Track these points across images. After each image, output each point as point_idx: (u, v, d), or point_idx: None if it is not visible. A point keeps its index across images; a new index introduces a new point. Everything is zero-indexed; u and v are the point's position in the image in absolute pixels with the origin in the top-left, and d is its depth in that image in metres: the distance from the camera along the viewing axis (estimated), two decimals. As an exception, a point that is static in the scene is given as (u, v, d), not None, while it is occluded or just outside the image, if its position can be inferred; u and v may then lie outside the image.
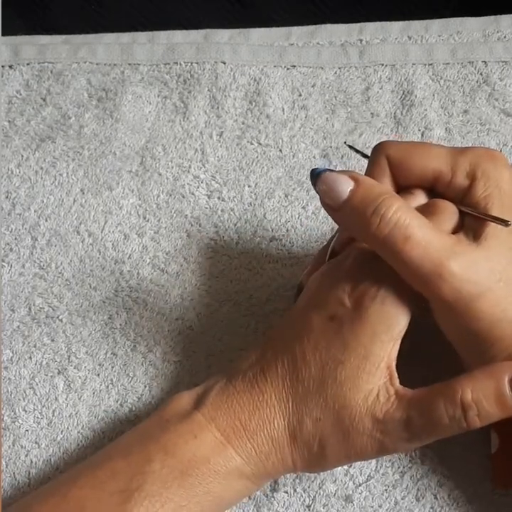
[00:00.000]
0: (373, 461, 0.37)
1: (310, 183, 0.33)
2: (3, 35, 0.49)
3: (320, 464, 0.32)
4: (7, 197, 0.45)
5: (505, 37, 0.48)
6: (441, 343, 0.33)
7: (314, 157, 0.45)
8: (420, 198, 0.33)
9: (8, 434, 0.38)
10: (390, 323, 0.31)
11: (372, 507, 0.36)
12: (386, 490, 0.36)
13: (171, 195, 0.45)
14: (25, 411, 0.38)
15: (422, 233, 0.30)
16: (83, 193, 0.45)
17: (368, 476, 0.36)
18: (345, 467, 0.37)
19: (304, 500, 0.36)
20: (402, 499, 0.36)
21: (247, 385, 0.32)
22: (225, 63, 0.49)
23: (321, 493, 0.36)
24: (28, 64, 0.49)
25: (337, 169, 0.33)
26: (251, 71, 0.48)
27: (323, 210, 0.41)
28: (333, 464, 0.33)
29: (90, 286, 0.42)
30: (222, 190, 0.44)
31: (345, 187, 0.31)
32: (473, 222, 0.31)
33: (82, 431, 0.38)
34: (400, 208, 0.30)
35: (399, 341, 0.32)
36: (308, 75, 0.48)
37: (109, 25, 0.51)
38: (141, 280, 0.42)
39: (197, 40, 0.50)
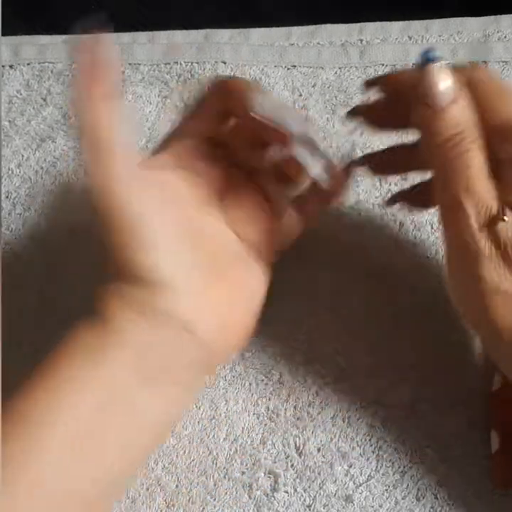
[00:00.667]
0: (374, 461, 0.37)
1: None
2: (3, 35, 0.49)
3: None
4: (7, 197, 0.45)
5: (505, 37, 0.48)
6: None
7: (314, 157, 0.45)
8: None
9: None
10: None
11: (372, 507, 0.36)
12: (386, 490, 0.36)
13: (171, 195, 0.45)
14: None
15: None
16: (83, 193, 0.45)
17: (368, 476, 0.36)
18: (346, 467, 0.37)
19: (305, 500, 0.36)
20: (402, 499, 0.36)
21: None
22: (225, 63, 0.49)
23: (322, 493, 0.36)
24: (28, 64, 0.49)
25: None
26: (251, 71, 0.48)
27: (322, 210, 0.41)
28: None
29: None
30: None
31: (444, 94, 0.31)
32: None
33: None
34: (474, 149, 0.31)
35: None
36: (308, 75, 0.48)
37: (109, 25, 0.51)
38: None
39: (197, 39, 0.50)
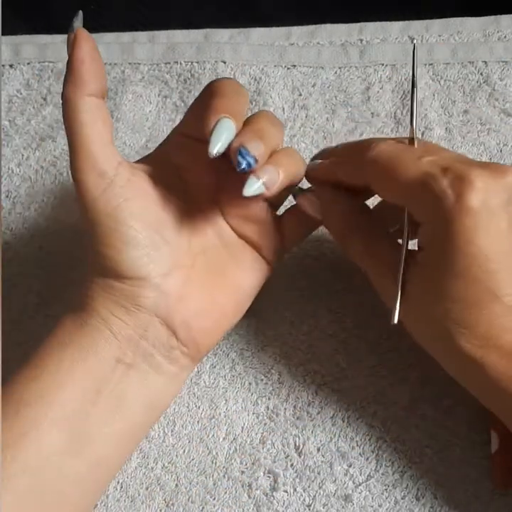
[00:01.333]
0: (373, 461, 0.37)
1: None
2: (3, 34, 0.49)
3: None
4: (7, 196, 0.45)
5: (505, 37, 0.48)
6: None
7: (314, 157, 0.45)
8: None
9: None
10: None
11: (372, 507, 0.36)
12: (386, 489, 0.36)
13: (171, 195, 0.44)
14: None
15: None
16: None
17: (367, 476, 0.36)
18: (345, 467, 0.37)
19: (304, 500, 0.36)
20: (402, 499, 0.36)
21: None
22: (225, 63, 0.49)
23: (321, 492, 0.36)
24: (28, 63, 0.49)
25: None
26: (251, 71, 0.48)
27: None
28: None
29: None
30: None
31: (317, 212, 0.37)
32: None
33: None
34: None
35: None
36: (308, 75, 0.48)
37: (109, 25, 0.51)
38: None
39: (197, 39, 0.50)
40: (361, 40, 0.49)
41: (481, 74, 0.47)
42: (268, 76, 0.48)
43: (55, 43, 0.50)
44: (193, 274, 0.35)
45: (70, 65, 0.32)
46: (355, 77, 0.48)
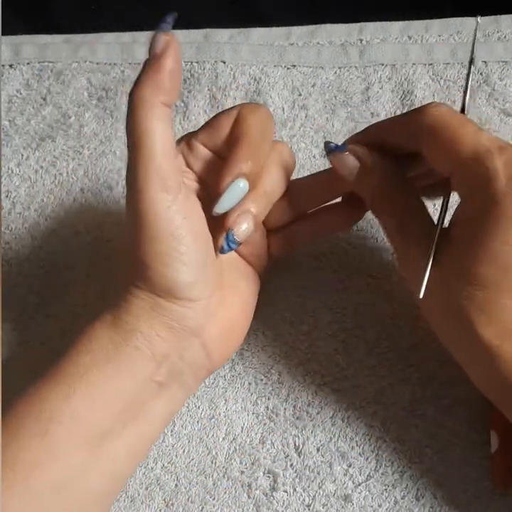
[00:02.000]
0: (373, 461, 0.37)
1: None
2: (3, 34, 0.49)
3: None
4: (7, 196, 0.45)
5: (505, 37, 0.48)
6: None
7: (314, 157, 0.45)
8: None
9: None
10: None
11: (371, 506, 0.36)
12: (386, 489, 0.36)
13: (171, 195, 0.44)
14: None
15: None
16: (83, 193, 0.45)
17: (367, 476, 0.36)
18: (345, 467, 0.37)
19: (304, 500, 0.36)
20: (401, 499, 0.36)
21: None
22: (225, 63, 0.49)
23: (321, 492, 0.36)
24: (28, 63, 0.49)
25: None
26: (251, 70, 0.48)
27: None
28: None
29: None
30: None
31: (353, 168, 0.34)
32: None
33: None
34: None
35: None
36: (308, 75, 0.48)
37: (109, 25, 0.51)
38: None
39: (197, 39, 0.50)
40: (361, 40, 0.49)
41: (481, 74, 0.47)
42: (268, 76, 0.48)
43: (55, 43, 0.50)
44: (223, 293, 0.35)
45: (154, 68, 0.30)
46: (355, 77, 0.47)
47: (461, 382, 0.38)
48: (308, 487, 0.36)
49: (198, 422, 0.38)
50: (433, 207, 0.41)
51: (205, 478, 0.37)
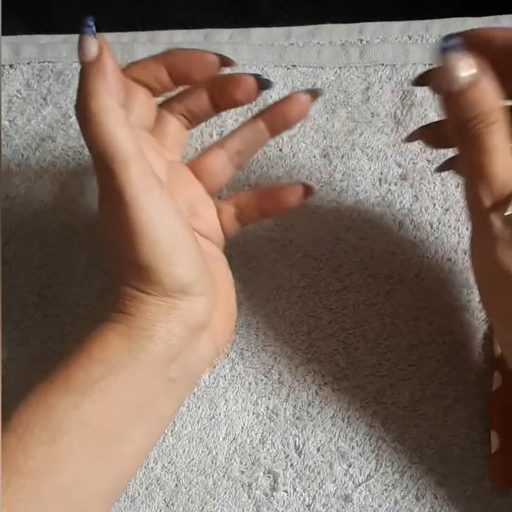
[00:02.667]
0: (373, 461, 0.37)
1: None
2: (3, 34, 0.49)
3: None
4: (7, 196, 0.45)
5: (505, 37, 0.48)
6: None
7: (314, 157, 0.45)
8: None
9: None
10: None
11: (372, 506, 0.36)
12: (386, 489, 0.36)
13: (171, 195, 0.44)
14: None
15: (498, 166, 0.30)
16: (83, 193, 0.45)
17: (367, 476, 0.36)
18: (345, 467, 0.37)
19: (304, 500, 0.36)
20: (402, 498, 0.36)
21: None
22: (225, 63, 0.49)
23: (321, 492, 0.36)
24: (28, 63, 0.49)
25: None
26: (251, 70, 0.48)
27: (322, 210, 0.41)
28: None
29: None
30: (222, 189, 0.44)
31: (462, 77, 0.30)
32: None
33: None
34: (492, 132, 0.30)
35: None
36: (308, 75, 0.48)
37: (109, 25, 0.51)
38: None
39: (197, 39, 0.50)
40: (361, 40, 0.49)
41: (481, 74, 0.47)
42: (268, 76, 0.48)
43: (55, 43, 0.50)
44: (214, 277, 0.35)
45: (100, 73, 0.30)
46: (355, 77, 0.47)
47: (461, 382, 0.38)
48: (309, 487, 0.36)
49: (198, 422, 0.38)
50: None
51: (206, 478, 0.37)
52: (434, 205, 0.41)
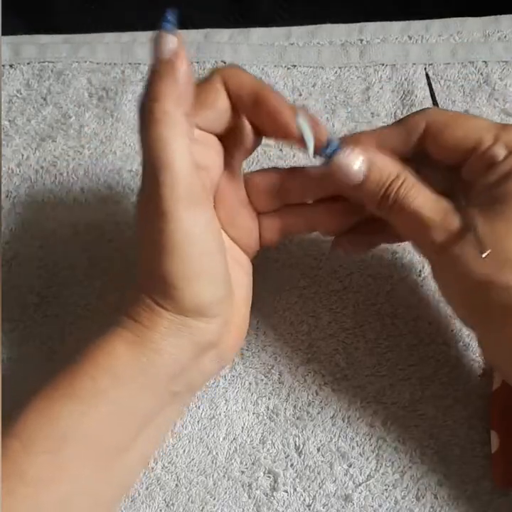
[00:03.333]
0: (373, 461, 0.37)
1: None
2: (3, 34, 0.49)
3: None
4: (7, 196, 0.45)
5: (505, 37, 0.48)
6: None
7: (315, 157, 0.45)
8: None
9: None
10: None
11: (372, 506, 0.36)
12: (386, 489, 0.36)
13: (171, 195, 0.44)
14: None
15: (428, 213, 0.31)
16: (83, 193, 0.45)
17: (367, 476, 0.36)
18: (345, 467, 0.37)
19: (304, 500, 0.36)
20: (402, 498, 0.36)
21: None
22: (225, 63, 0.49)
23: (321, 492, 0.36)
24: (28, 63, 0.49)
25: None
26: (251, 70, 0.48)
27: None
28: None
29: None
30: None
31: (359, 173, 0.32)
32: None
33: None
34: (407, 190, 0.32)
35: None
36: (308, 75, 0.48)
37: (109, 25, 0.51)
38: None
39: (197, 39, 0.50)
40: (361, 40, 0.49)
41: (481, 74, 0.47)
42: (268, 76, 0.48)
43: (55, 43, 0.50)
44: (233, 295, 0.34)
45: (171, 76, 0.29)
46: (355, 77, 0.47)
47: (461, 382, 0.38)
48: (309, 487, 0.36)
49: (198, 422, 0.38)
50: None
51: (206, 478, 0.37)
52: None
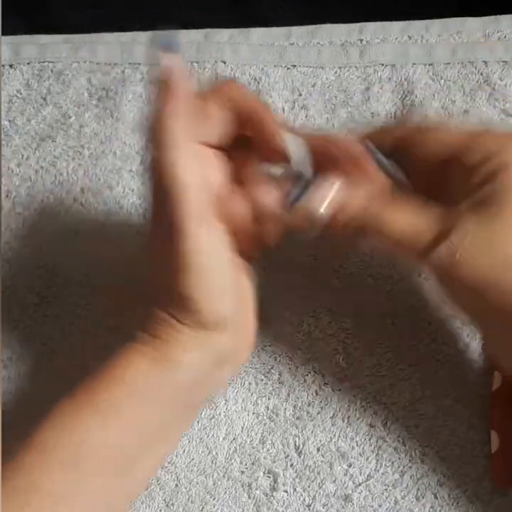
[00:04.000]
0: (373, 461, 0.37)
1: None
2: (3, 34, 0.49)
3: None
4: (7, 196, 0.45)
5: (505, 37, 0.48)
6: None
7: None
8: None
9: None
10: None
11: (372, 506, 0.36)
12: (386, 489, 0.36)
13: (171, 195, 0.44)
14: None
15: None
16: (83, 193, 0.45)
17: (367, 476, 0.36)
18: (345, 467, 0.37)
19: (304, 500, 0.36)
20: (402, 498, 0.36)
21: None
22: (225, 63, 0.49)
23: (321, 492, 0.36)
24: (28, 63, 0.49)
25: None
26: (251, 71, 0.48)
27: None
28: None
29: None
30: (222, 189, 0.44)
31: (323, 212, 0.33)
32: None
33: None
34: (379, 216, 0.32)
35: None
36: (308, 75, 0.48)
37: (109, 25, 0.51)
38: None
39: (197, 39, 0.50)
40: (361, 40, 0.49)
41: (481, 74, 0.47)
42: (268, 76, 0.48)
43: (55, 43, 0.50)
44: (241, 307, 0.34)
45: (184, 96, 0.30)
46: (355, 77, 0.47)
47: (461, 382, 0.38)
48: (309, 487, 0.36)
49: (198, 421, 0.38)
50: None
51: (206, 478, 0.37)
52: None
